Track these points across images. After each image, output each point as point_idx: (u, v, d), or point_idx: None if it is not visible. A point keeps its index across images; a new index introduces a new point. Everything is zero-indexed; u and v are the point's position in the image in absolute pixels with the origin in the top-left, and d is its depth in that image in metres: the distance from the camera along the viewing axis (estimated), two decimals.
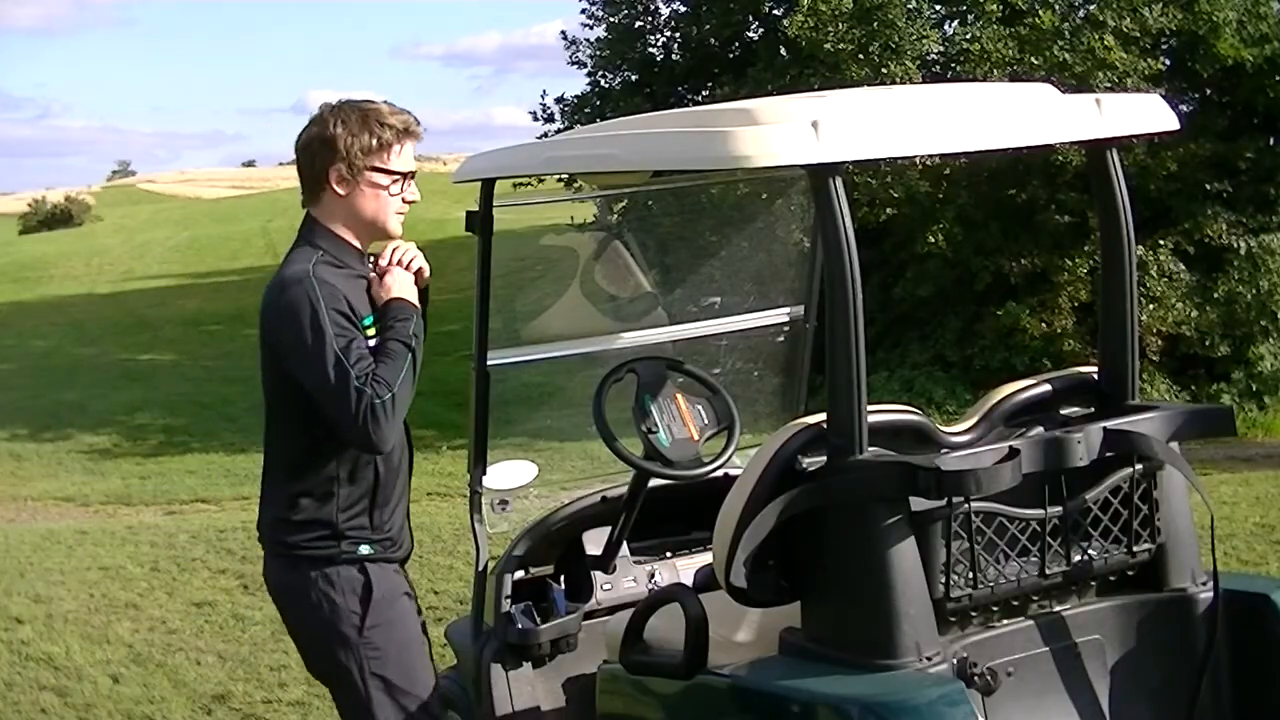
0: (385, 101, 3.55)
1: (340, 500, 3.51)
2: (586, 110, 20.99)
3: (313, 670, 3.80)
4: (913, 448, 3.25)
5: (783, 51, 19.69)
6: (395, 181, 3.52)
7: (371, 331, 3.47)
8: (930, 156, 14.66)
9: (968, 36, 18.12)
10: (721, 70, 20.56)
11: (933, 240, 17.36)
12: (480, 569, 4.17)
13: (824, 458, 3.13)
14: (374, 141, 3.46)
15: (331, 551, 3.51)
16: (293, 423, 3.53)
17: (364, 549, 3.53)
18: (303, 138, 3.53)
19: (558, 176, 3.61)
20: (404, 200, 3.56)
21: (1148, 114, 3.40)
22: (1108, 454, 3.24)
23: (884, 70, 17.06)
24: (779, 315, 4.61)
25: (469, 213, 4.02)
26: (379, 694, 3.54)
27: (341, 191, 3.49)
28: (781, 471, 3.15)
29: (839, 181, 3.03)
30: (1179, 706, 3.30)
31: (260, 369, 3.56)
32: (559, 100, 21.70)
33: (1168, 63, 17.75)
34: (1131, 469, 3.27)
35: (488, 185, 3.97)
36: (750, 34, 20.86)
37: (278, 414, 3.59)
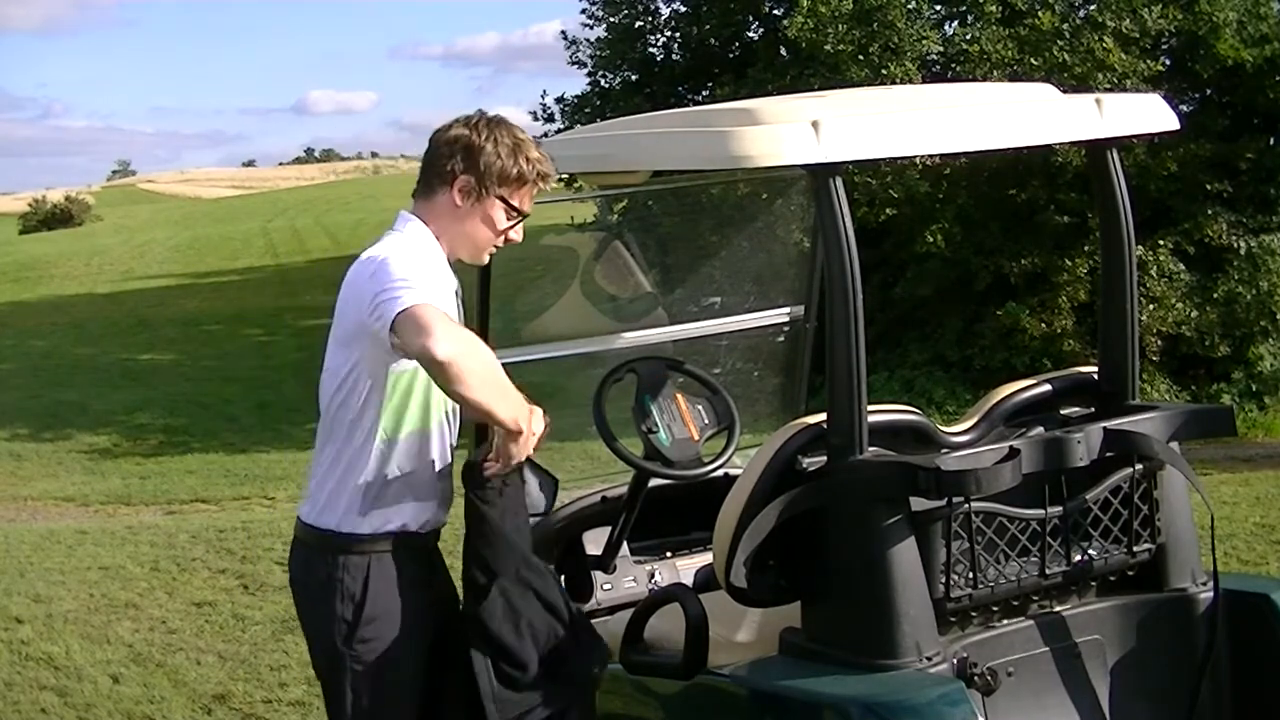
0: (530, 137, 3.44)
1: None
2: (586, 110, 21.03)
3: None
4: (913, 448, 3.25)
5: (783, 52, 19.71)
6: (512, 219, 3.44)
7: None
8: (930, 156, 14.66)
9: (967, 37, 18.14)
10: (721, 70, 20.57)
11: (932, 240, 17.37)
12: None
13: (824, 458, 3.13)
14: (515, 173, 3.37)
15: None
16: None
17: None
18: (447, 134, 3.41)
19: (558, 176, 3.62)
20: (507, 238, 3.48)
21: (1148, 114, 3.40)
22: (1108, 454, 3.25)
23: (884, 71, 17.07)
24: (779, 315, 4.61)
25: None
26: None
27: (459, 202, 3.39)
28: (781, 471, 3.15)
29: (839, 181, 3.04)
30: (1179, 706, 3.30)
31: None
32: (559, 100, 21.77)
33: (1167, 63, 17.76)
34: (1131, 469, 3.27)
35: None
36: (750, 34, 20.90)
37: None
